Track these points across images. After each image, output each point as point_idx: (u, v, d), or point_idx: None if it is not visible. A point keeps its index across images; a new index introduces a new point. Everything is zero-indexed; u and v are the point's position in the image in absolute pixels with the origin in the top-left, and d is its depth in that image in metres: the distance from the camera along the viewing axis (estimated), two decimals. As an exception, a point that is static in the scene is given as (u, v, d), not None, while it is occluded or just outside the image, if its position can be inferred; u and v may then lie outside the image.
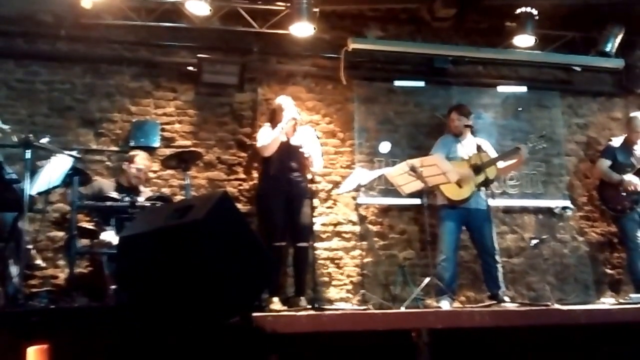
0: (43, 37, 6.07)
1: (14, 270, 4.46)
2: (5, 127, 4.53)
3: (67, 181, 4.74)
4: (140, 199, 5.05)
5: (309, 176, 5.43)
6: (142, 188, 5.58)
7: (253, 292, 3.28)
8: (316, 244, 5.61)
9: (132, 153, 5.65)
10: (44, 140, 4.54)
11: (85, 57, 6.14)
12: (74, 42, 6.14)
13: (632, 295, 5.87)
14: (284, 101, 5.78)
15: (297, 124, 5.65)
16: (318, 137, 6.03)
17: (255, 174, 6.22)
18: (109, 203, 5.00)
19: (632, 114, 6.64)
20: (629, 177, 6.31)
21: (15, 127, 5.05)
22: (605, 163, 6.50)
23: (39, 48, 6.07)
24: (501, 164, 5.95)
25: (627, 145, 6.49)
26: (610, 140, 6.74)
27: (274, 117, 5.75)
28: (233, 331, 2.79)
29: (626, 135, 6.59)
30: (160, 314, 2.84)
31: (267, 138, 5.58)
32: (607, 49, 6.82)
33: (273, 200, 5.57)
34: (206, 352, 2.73)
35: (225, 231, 2.92)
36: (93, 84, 6.12)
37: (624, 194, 6.30)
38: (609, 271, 7.02)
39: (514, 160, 5.97)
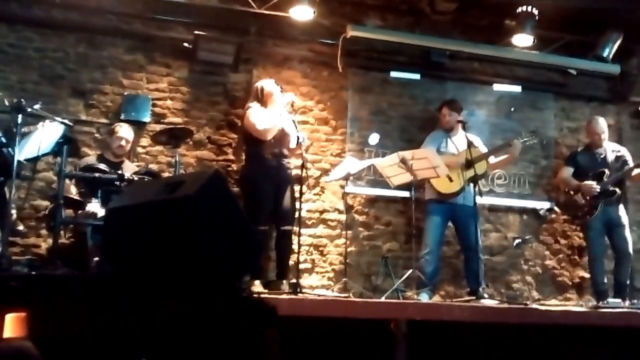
0: (38, 3, 5.97)
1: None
2: None
3: (56, 150, 4.68)
4: (126, 173, 5.01)
5: (299, 162, 5.39)
6: (126, 163, 5.52)
7: (237, 273, 3.27)
8: (301, 230, 5.59)
9: (115, 125, 5.58)
10: (36, 107, 4.48)
11: (80, 27, 6.05)
12: (69, 10, 6.03)
13: (610, 300, 5.93)
14: (272, 86, 5.63)
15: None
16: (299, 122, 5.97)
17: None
18: (97, 174, 4.96)
19: (591, 117, 6.60)
20: (586, 183, 6.15)
21: (4, 92, 5.01)
22: (567, 171, 6.38)
23: (33, 14, 5.97)
24: (492, 160, 5.98)
25: (590, 149, 6.38)
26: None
27: (261, 99, 5.58)
28: (226, 304, 2.78)
29: (588, 139, 6.53)
30: (144, 286, 2.84)
31: (267, 122, 5.42)
32: (605, 54, 6.81)
33: (263, 183, 5.48)
34: (191, 328, 2.72)
35: (215, 209, 2.90)
36: (86, 54, 6.04)
37: (584, 200, 6.16)
38: (588, 275, 7.05)
39: (505, 156, 6.00)
